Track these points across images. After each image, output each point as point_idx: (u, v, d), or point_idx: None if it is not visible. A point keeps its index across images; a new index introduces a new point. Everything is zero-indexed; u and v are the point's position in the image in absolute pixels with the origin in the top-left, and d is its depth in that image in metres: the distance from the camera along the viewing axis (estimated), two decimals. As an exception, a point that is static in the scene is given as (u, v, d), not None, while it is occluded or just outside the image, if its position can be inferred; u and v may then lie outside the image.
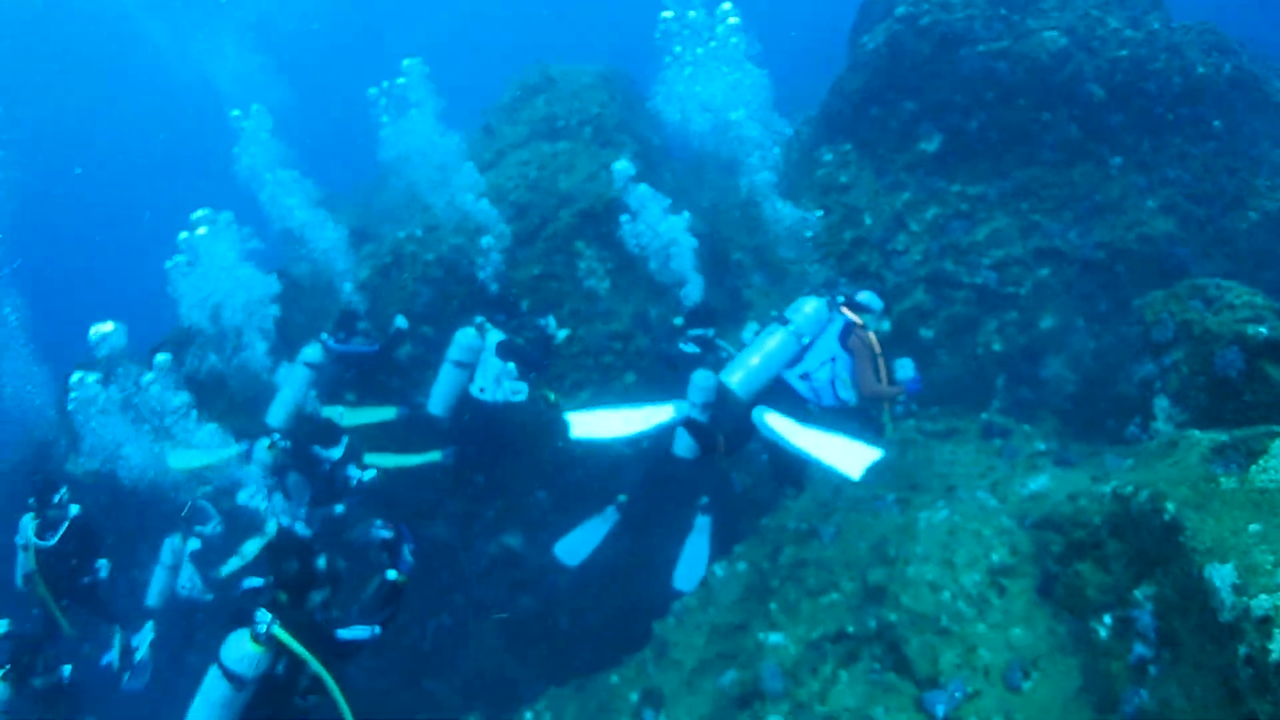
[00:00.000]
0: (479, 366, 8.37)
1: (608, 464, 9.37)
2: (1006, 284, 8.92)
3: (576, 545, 8.36)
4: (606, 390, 9.36)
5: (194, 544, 8.36)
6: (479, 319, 8.62)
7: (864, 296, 7.35)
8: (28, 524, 7.96)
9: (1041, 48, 9.12)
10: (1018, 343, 8.78)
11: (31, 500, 8.01)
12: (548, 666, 8.96)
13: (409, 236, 9.69)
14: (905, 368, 7.13)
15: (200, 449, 8.71)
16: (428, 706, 9.17)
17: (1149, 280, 8.29)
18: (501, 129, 11.41)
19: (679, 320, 9.24)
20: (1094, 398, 8.36)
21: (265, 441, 7.96)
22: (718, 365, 8.17)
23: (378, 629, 5.35)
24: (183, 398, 8.45)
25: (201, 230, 9.07)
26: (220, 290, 9.11)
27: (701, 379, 8.07)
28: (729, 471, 9.12)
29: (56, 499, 7.98)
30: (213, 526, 8.46)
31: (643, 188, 9.08)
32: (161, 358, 8.64)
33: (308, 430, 7.97)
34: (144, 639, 8.39)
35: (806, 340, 7.11)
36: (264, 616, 4.96)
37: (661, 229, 9.08)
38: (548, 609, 9.19)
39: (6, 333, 11.06)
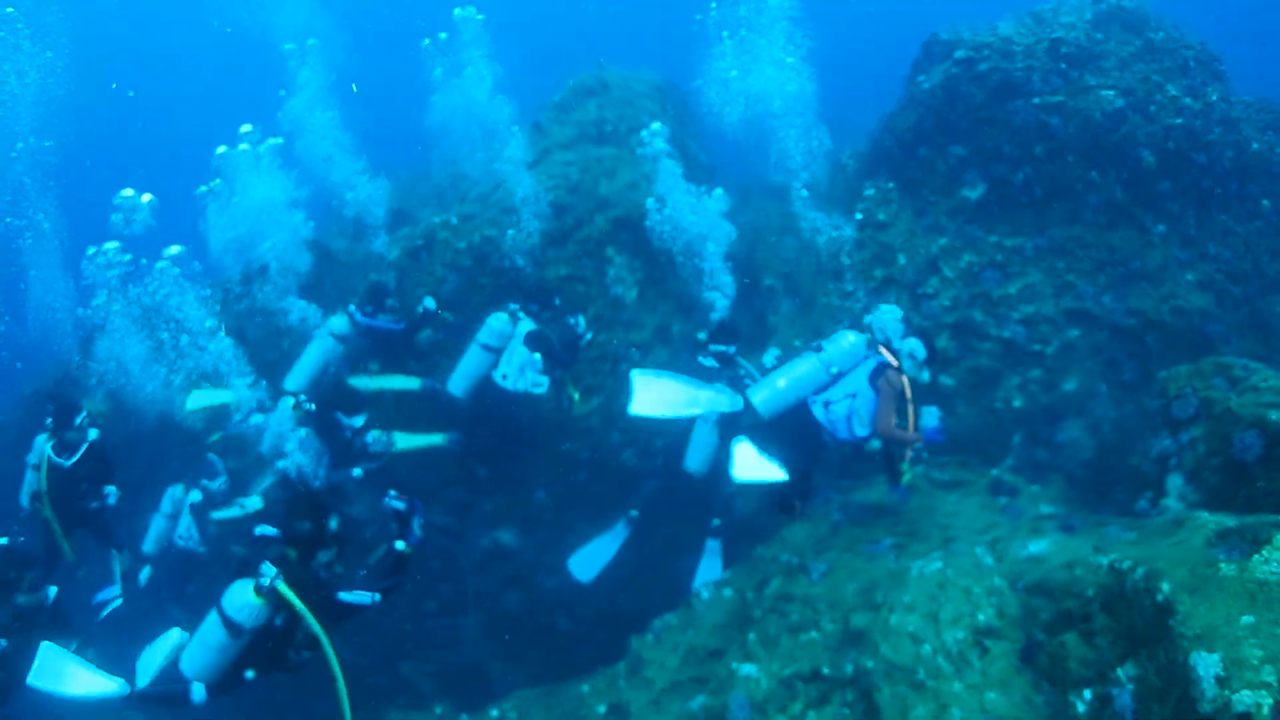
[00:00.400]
0: (505, 353, 8.37)
1: (613, 471, 9.35)
2: (1034, 341, 8.78)
3: (590, 560, 8.38)
4: (619, 399, 9.32)
5: (195, 496, 8.42)
6: (513, 306, 8.62)
7: (911, 343, 7.29)
8: (42, 444, 8.03)
9: (1097, 106, 8.99)
10: (1039, 401, 8.63)
11: (49, 421, 8.08)
12: (523, 666, 8.93)
13: (443, 223, 9.71)
14: (930, 416, 7.09)
15: (215, 389, 8.83)
16: (401, 691, 9.17)
17: (1178, 354, 8.16)
18: (550, 128, 11.40)
19: (702, 335, 9.24)
20: (1108, 467, 8.19)
21: (290, 401, 7.93)
22: (734, 382, 8.20)
23: (378, 596, 5.39)
24: (212, 323, 8.48)
25: (244, 147, 9.04)
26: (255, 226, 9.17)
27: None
28: (733, 496, 9.09)
29: (76, 421, 8.03)
30: (219, 483, 8.53)
31: (670, 164, 9.01)
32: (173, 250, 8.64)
33: (331, 396, 7.99)
34: (141, 578, 8.51)
35: (835, 371, 7.16)
36: (269, 570, 5.06)
37: (687, 222, 9.07)
38: (532, 610, 9.16)
39: (40, 239, 11.18)
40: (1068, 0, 10.40)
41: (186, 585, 9.09)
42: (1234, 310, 8.76)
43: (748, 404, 7.31)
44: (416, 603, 9.19)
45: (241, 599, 5.08)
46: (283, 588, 5.02)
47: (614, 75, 12.15)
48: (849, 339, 7.26)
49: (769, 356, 8.89)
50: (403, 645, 9.15)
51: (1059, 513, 7.38)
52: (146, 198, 8.74)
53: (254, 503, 7.93)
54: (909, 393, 7.02)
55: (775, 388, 7.18)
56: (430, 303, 9.06)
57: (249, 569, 5.18)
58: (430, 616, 9.29)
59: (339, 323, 8.84)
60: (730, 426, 8.25)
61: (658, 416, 7.68)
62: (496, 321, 8.42)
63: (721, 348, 8.37)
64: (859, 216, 9.82)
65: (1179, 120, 9.08)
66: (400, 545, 5.62)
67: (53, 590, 6.51)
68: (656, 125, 9.84)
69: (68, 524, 8.12)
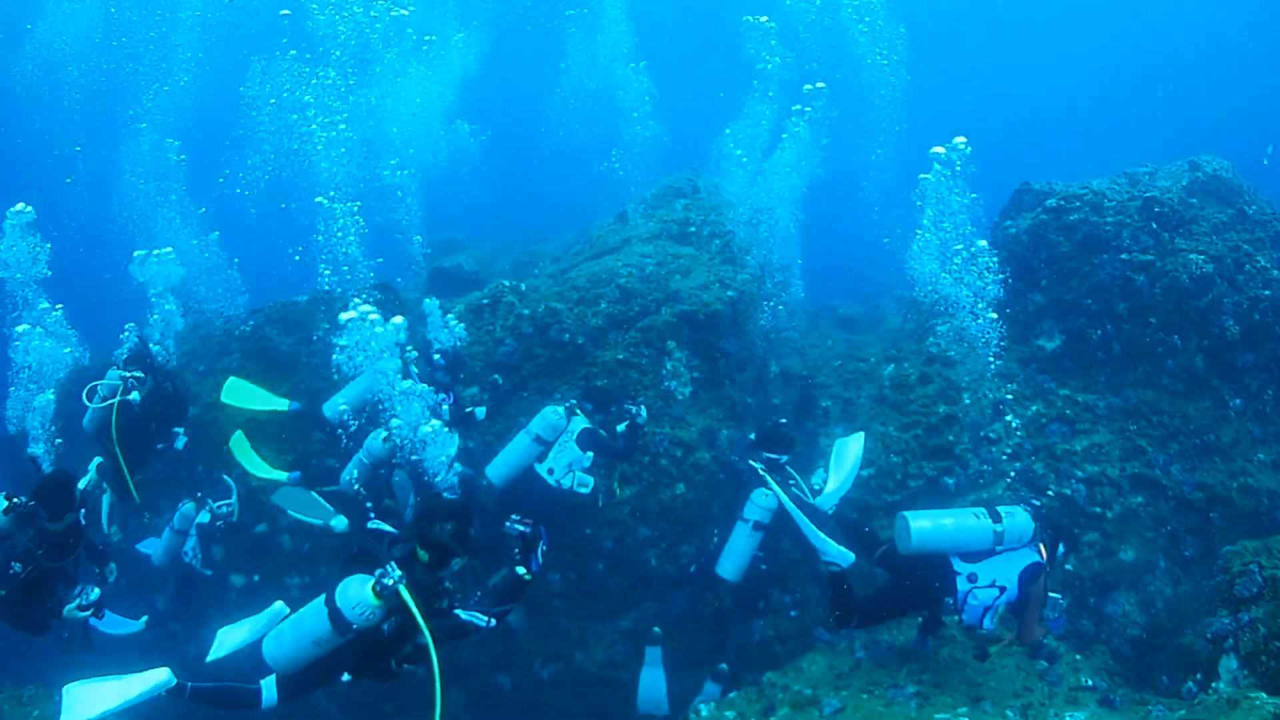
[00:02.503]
0: (555, 447, 8.25)
1: (633, 568, 9.08)
2: (1094, 503, 8.33)
3: (652, 697, 8.01)
4: (654, 494, 9.13)
5: (204, 517, 8.40)
6: (570, 402, 8.57)
7: (1063, 547, 6.80)
8: (113, 377, 8.02)
9: (1185, 269, 8.75)
10: (1092, 566, 8.12)
11: (120, 352, 8.23)
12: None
13: (512, 286, 9.90)
14: (1054, 606, 6.61)
15: (255, 391, 8.95)
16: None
17: (1242, 534, 7.64)
18: (635, 220, 11.70)
19: (753, 435, 9.05)
20: (1155, 648, 7.65)
21: (381, 433, 7.87)
22: (783, 486, 7.91)
23: (493, 621, 5.10)
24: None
25: None
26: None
27: (761, 497, 7.86)
28: (756, 619, 8.72)
29: (148, 361, 8.20)
30: (226, 506, 8.48)
31: None
32: None
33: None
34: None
35: (1000, 547, 6.44)
36: (393, 570, 4.70)
37: None
38: (518, 696, 8.78)
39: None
40: (1164, 166, 10.31)
41: (191, 603, 9.03)
42: (1304, 495, 8.21)
43: (903, 524, 6.46)
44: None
45: (358, 595, 4.65)
46: (405, 592, 4.63)
47: (705, 181, 12.45)
48: (1023, 517, 6.48)
49: (816, 478, 8.67)
50: (381, 706, 8.82)
51: (1100, 686, 6.84)
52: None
53: (340, 522, 7.84)
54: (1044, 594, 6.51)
55: (941, 525, 6.37)
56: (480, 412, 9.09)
57: (366, 561, 4.84)
58: (418, 680, 8.97)
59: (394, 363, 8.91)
60: (772, 531, 8.00)
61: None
62: (552, 415, 8.25)
63: (774, 455, 8.17)
64: (930, 349, 9.64)
65: (1267, 292, 8.80)
66: (521, 570, 5.39)
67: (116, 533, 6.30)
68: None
69: (134, 461, 8.12)
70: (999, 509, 6.47)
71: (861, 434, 8.21)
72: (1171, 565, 8.15)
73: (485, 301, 9.94)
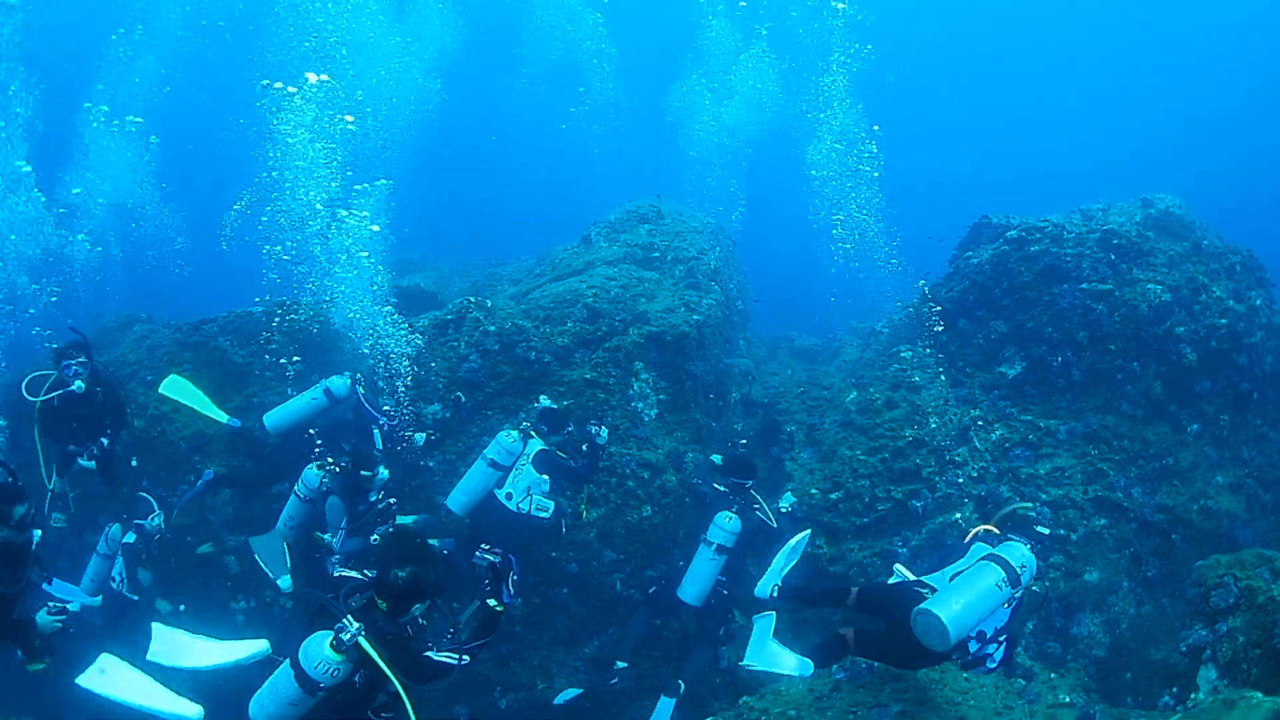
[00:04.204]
0: (513, 472, 8.00)
1: (597, 593, 8.86)
2: (1059, 525, 8.43)
3: None
4: (620, 516, 8.94)
5: (130, 537, 7.96)
6: (525, 424, 8.35)
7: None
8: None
9: (1144, 299, 9.04)
10: (1057, 588, 8.19)
11: (56, 345, 8.12)
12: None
13: (478, 302, 9.68)
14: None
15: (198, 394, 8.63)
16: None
17: (1204, 555, 7.75)
18: (599, 243, 11.62)
19: (717, 459, 8.97)
20: (1121, 668, 7.68)
21: (315, 464, 7.69)
22: (744, 512, 7.85)
23: (466, 658, 4.84)
24: None
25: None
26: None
27: (724, 520, 7.76)
28: (719, 646, 8.57)
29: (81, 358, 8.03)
30: (151, 520, 8.10)
31: None
32: None
33: (353, 457, 7.72)
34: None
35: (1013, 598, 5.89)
36: (350, 624, 4.46)
37: None
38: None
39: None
40: (1116, 203, 10.71)
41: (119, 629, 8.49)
42: (1263, 516, 8.54)
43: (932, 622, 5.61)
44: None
45: (319, 654, 4.46)
46: (366, 645, 4.42)
47: (670, 207, 12.48)
48: (1033, 563, 5.98)
49: (784, 501, 8.62)
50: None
51: (1078, 701, 6.87)
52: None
53: (285, 583, 7.45)
54: None
55: (968, 607, 5.56)
56: (419, 439, 8.87)
57: (327, 618, 4.59)
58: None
59: (340, 384, 8.63)
60: (736, 555, 7.90)
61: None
62: (507, 439, 7.97)
63: (736, 480, 8.14)
64: (894, 375, 9.73)
65: (1223, 321, 9.10)
66: (493, 603, 5.19)
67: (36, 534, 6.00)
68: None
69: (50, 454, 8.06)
70: (1011, 564, 5.81)
71: (809, 531, 7.98)
72: (1134, 586, 8.30)
73: (450, 317, 9.70)
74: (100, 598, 7.58)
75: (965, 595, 5.58)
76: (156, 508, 8.23)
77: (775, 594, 6.75)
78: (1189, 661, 6.38)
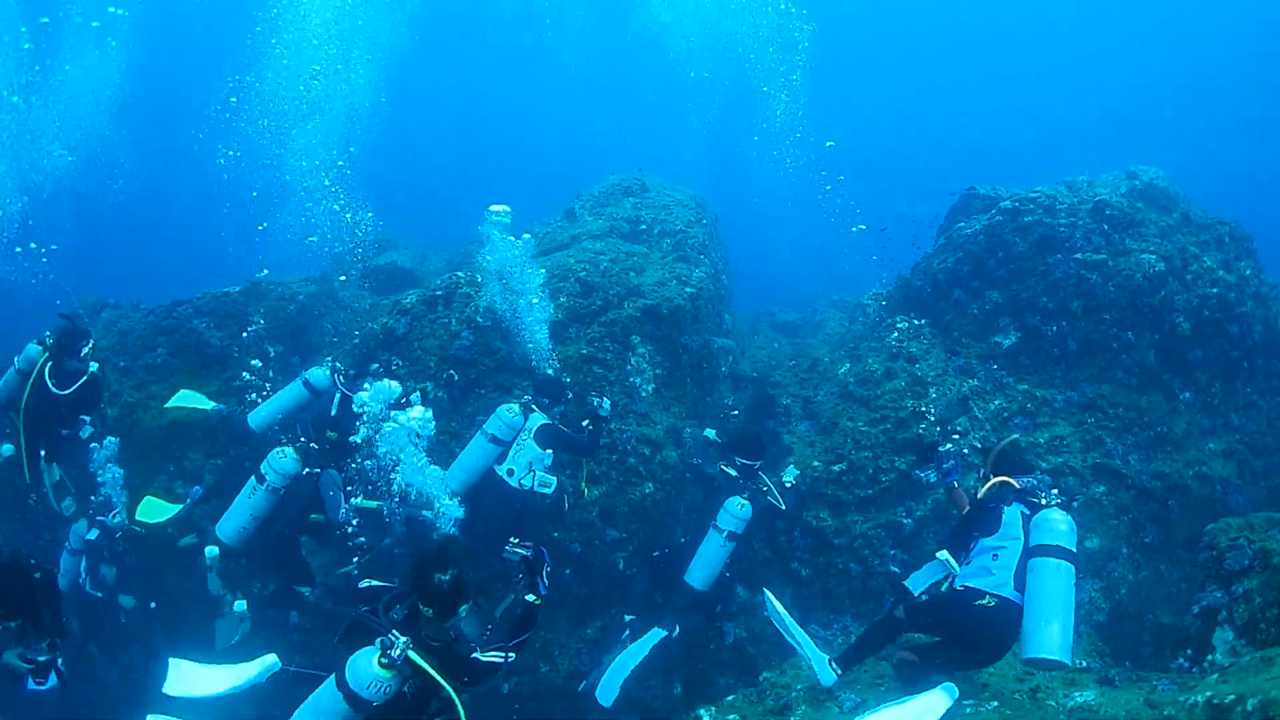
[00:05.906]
0: (514, 447, 7.79)
1: (601, 572, 8.71)
2: (1060, 493, 8.49)
3: (612, 682, 7.54)
4: (623, 494, 8.79)
5: (93, 533, 7.72)
6: (526, 398, 8.12)
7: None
8: (34, 354, 7.71)
9: (1138, 269, 9.14)
10: (1061, 556, 8.27)
11: (48, 337, 7.76)
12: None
13: (468, 278, 9.39)
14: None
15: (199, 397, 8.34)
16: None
17: (1200, 521, 7.95)
18: (584, 217, 11.38)
19: (710, 433, 8.87)
20: (1120, 635, 7.83)
21: (290, 448, 7.44)
22: (755, 495, 7.76)
23: (512, 655, 4.75)
24: None
25: None
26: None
27: (735, 507, 7.67)
28: (724, 622, 8.52)
29: (83, 351, 7.80)
30: (113, 516, 7.86)
31: None
32: None
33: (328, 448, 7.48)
34: None
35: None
36: (397, 639, 4.33)
37: None
38: (479, 712, 8.22)
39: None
40: (1101, 175, 10.83)
41: (98, 629, 8.13)
42: (1254, 483, 8.73)
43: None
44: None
45: (368, 673, 4.30)
46: (416, 657, 4.31)
47: (654, 181, 12.28)
48: (1068, 520, 5.90)
49: (788, 475, 8.55)
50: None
51: (1094, 666, 6.93)
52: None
53: (240, 605, 7.39)
54: None
55: (1066, 622, 5.45)
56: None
57: (365, 630, 4.46)
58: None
59: (320, 375, 8.37)
60: (745, 540, 7.83)
61: None
62: (508, 413, 7.74)
63: (746, 460, 8.06)
64: (892, 346, 9.71)
65: (1214, 290, 9.24)
66: (531, 596, 5.08)
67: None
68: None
69: (36, 445, 7.79)
70: (1074, 550, 5.70)
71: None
72: (1133, 552, 8.41)
73: (439, 293, 9.40)
74: None
75: (1059, 613, 5.42)
76: (118, 503, 7.96)
77: (838, 671, 6.36)
78: (1202, 624, 6.46)
